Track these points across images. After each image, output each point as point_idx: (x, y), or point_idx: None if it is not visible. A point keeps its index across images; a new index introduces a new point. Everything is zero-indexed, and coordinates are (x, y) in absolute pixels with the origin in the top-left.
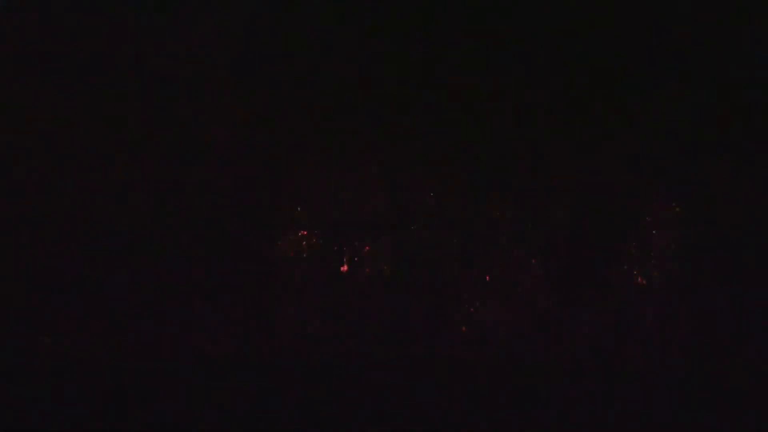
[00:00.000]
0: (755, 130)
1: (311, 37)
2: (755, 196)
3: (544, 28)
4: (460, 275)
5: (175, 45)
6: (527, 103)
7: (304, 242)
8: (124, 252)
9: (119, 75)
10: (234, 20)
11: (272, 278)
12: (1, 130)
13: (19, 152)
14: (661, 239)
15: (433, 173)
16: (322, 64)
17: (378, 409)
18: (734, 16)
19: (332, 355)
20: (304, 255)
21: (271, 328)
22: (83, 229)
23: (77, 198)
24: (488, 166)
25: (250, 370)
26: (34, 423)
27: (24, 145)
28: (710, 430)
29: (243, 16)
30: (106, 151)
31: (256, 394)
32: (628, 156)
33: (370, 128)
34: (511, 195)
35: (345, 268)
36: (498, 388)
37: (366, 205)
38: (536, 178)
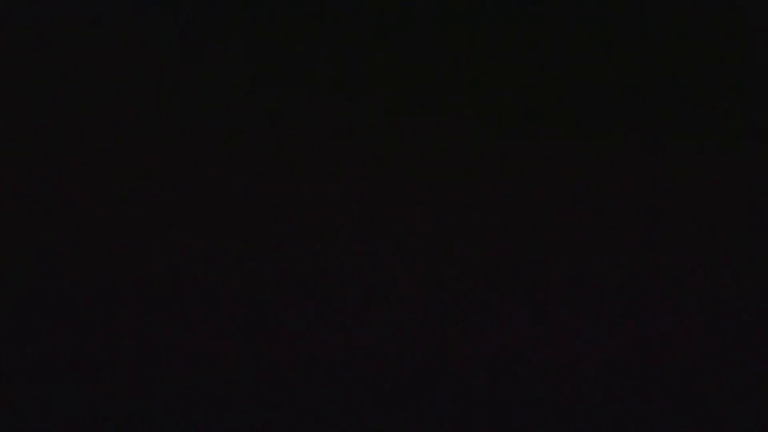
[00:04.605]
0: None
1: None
2: None
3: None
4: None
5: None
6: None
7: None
8: (125, 250)
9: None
10: None
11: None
12: (1, 129)
13: (18, 152)
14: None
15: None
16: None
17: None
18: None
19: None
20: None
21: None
22: (82, 228)
23: (75, 198)
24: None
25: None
26: (34, 423)
27: (23, 145)
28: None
29: None
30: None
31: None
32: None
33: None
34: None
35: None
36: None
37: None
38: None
